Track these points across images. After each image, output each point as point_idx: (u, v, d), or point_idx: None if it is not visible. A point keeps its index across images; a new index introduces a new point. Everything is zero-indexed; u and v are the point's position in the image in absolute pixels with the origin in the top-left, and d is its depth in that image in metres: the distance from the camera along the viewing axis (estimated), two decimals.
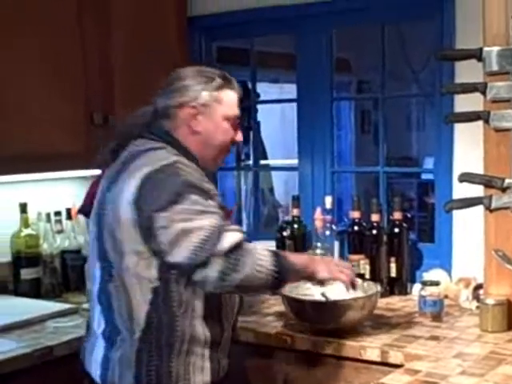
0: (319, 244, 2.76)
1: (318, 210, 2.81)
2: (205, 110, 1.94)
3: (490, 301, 2.25)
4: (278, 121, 6.46)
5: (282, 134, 6.41)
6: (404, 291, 2.73)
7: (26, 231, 2.76)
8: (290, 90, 4.56)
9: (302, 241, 2.87)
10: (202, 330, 1.84)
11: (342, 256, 2.84)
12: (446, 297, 2.53)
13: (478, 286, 2.48)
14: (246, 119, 3.56)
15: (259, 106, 3.67)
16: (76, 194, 2.84)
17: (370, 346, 2.14)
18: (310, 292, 2.32)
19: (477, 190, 2.32)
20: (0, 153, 2.37)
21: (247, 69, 3.32)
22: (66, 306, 2.57)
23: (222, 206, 1.91)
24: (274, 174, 5.96)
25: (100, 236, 1.85)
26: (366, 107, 7.37)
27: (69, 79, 2.63)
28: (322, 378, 2.22)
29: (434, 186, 2.90)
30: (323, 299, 2.16)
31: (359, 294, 2.24)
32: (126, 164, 1.85)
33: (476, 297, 2.46)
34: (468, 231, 2.65)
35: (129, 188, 1.78)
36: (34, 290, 2.74)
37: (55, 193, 2.97)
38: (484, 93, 2.26)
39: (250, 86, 3.31)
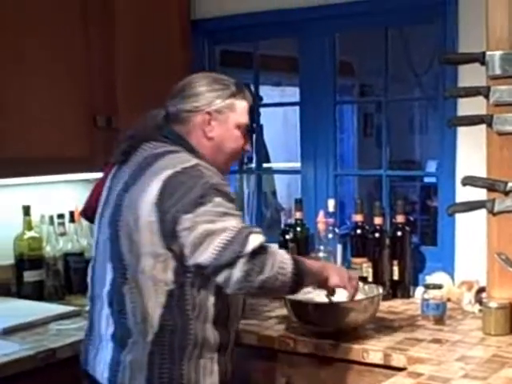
0: (322, 247, 2.76)
1: (321, 213, 2.81)
2: (218, 117, 1.95)
3: (493, 304, 2.24)
4: (280, 124, 6.47)
5: (285, 137, 6.42)
6: (407, 294, 2.73)
7: (29, 234, 2.76)
8: (292, 93, 4.57)
9: (304, 244, 2.86)
10: (212, 334, 1.85)
11: (344, 259, 2.84)
12: (449, 300, 2.53)
13: (481, 290, 2.48)
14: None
15: (262, 109, 3.67)
16: (79, 196, 2.82)
17: (373, 349, 2.14)
18: (311, 296, 2.32)
19: (480, 194, 2.32)
20: (2, 155, 2.37)
21: (250, 71, 3.32)
22: (69, 308, 2.57)
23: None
24: (276, 177, 5.96)
25: (115, 238, 1.84)
26: (369, 110, 7.36)
27: (72, 82, 2.62)
28: (324, 381, 2.22)
29: (437, 190, 2.91)
30: (326, 301, 2.16)
31: (361, 296, 2.24)
32: (143, 166, 1.85)
33: (479, 300, 2.45)
34: (471, 234, 2.65)
35: (150, 190, 1.77)
36: (37, 293, 2.74)
37: (58, 195, 2.97)
38: (487, 96, 2.26)
39: (252, 89, 3.31)
